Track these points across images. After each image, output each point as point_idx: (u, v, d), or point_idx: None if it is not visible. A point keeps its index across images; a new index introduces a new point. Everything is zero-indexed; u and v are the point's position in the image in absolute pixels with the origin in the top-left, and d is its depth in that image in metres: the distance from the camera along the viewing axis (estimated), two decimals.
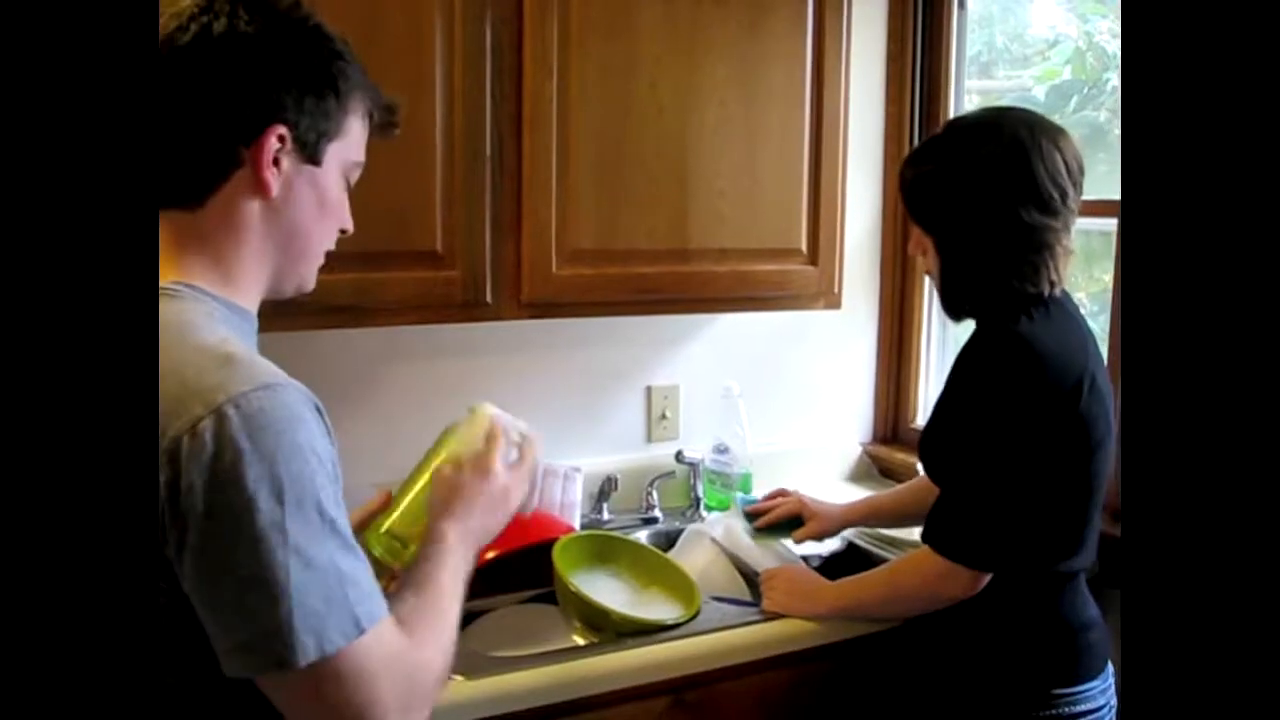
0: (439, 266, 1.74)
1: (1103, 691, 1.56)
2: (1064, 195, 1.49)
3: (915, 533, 1.75)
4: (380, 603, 0.98)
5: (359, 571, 0.96)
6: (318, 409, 0.97)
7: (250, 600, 0.89)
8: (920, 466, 1.74)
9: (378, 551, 1.25)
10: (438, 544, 1.15)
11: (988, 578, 1.53)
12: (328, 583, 0.92)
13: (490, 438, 1.26)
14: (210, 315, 1.01)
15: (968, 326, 1.61)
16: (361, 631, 0.94)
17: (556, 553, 1.70)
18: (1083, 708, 1.53)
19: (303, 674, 0.91)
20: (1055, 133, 1.51)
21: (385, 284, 1.70)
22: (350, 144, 1.11)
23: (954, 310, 1.60)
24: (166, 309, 0.97)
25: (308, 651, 0.90)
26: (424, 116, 1.68)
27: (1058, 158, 1.48)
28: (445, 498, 1.20)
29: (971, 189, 1.50)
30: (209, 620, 0.92)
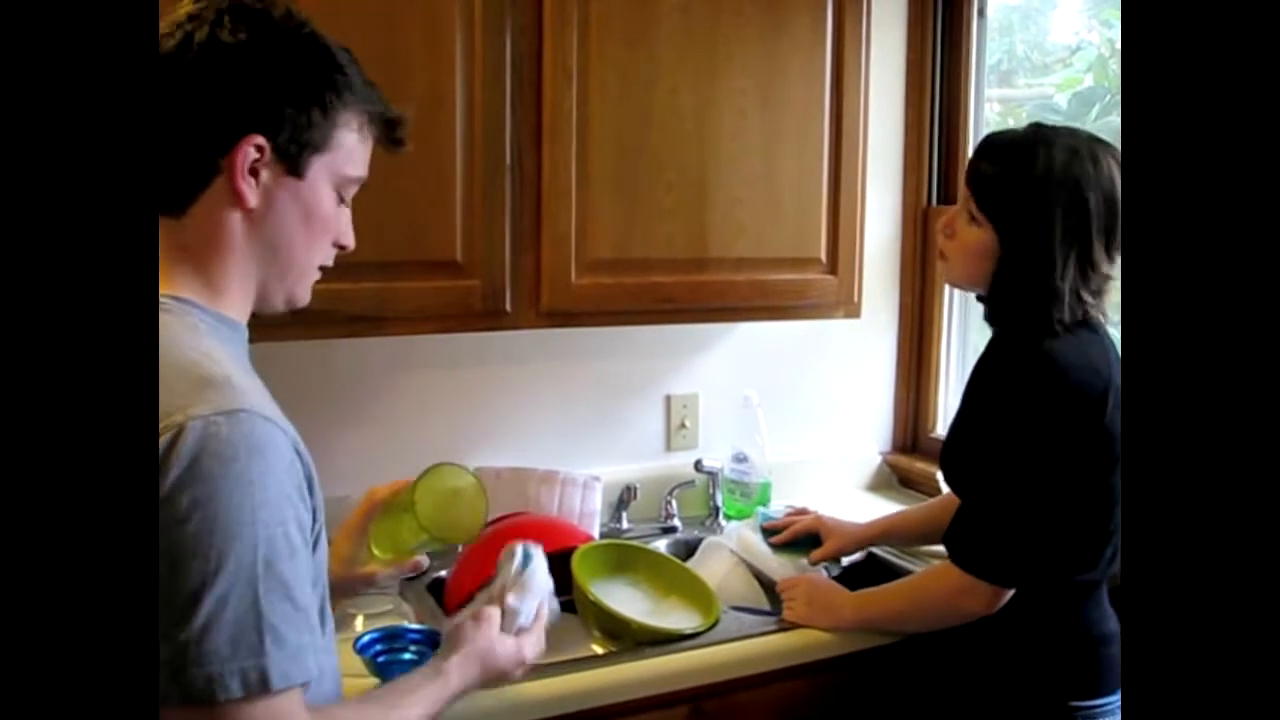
0: (458, 276, 1.75)
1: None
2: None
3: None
4: (303, 668, 0.93)
5: (289, 625, 0.91)
6: (295, 447, 0.95)
7: (163, 621, 0.85)
8: (941, 480, 1.73)
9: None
10: (435, 676, 1.18)
11: (1009, 594, 1.52)
12: (242, 625, 0.88)
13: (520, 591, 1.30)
14: (195, 329, 1.00)
15: (987, 335, 1.61)
16: (265, 689, 0.89)
17: (575, 561, 1.70)
18: None
19: (182, 715, 0.87)
20: None
21: (405, 293, 1.71)
22: (341, 158, 1.08)
23: (999, 314, 1.57)
24: None
25: (193, 689, 0.86)
26: (444, 126, 1.69)
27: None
28: (457, 641, 1.23)
29: (1066, 207, 1.47)
30: None
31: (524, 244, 1.80)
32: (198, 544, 0.86)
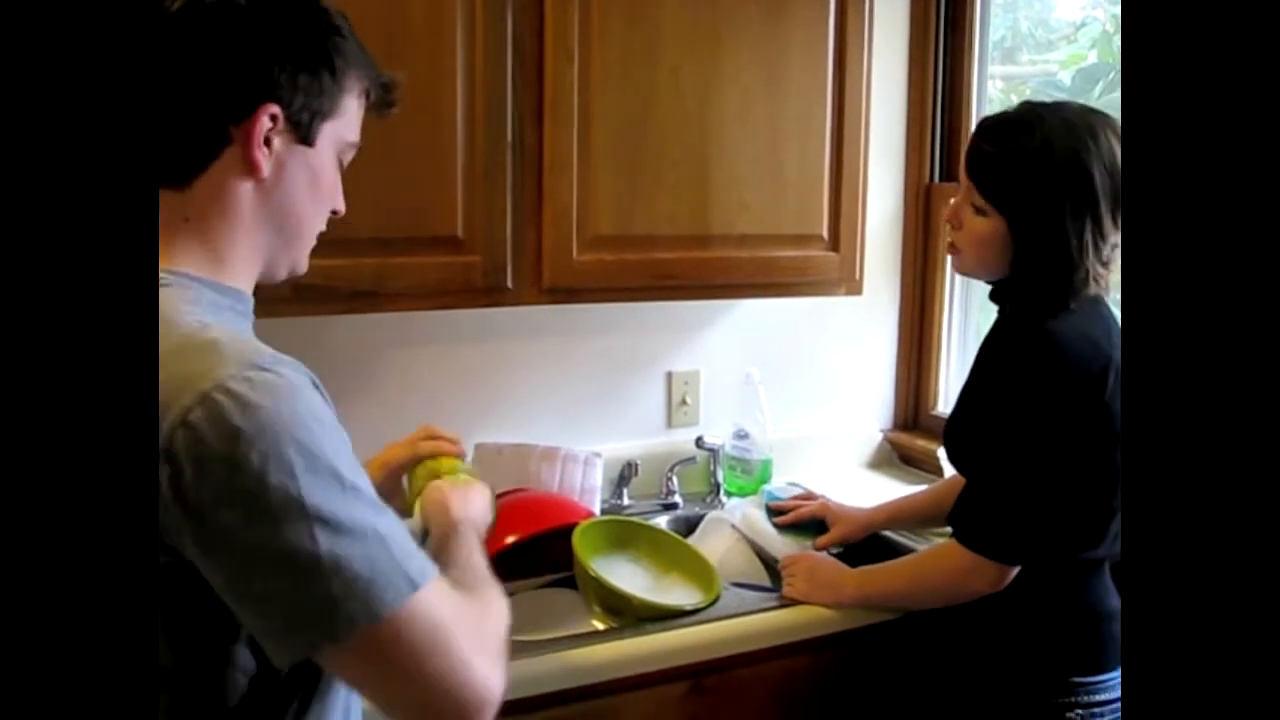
0: (460, 252, 1.74)
1: None
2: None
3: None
4: (428, 561, 0.94)
5: (398, 531, 0.91)
6: (314, 382, 0.94)
7: (284, 581, 0.85)
8: (942, 457, 1.73)
9: None
10: (457, 535, 1.16)
11: (1014, 572, 1.52)
12: (366, 546, 0.88)
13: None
14: (195, 301, 0.97)
15: (989, 314, 1.60)
16: (416, 587, 0.89)
17: (576, 537, 1.70)
18: (1102, 697, 1.52)
19: (359, 644, 0.87)
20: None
21: (406, 269, 1.71)
22: (345, 124, 1.07)
23: (1015, 296, 1.55)
24: None
25: (356, 618, 0.86)
26: (445, 103, 1.68)
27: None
28: (440, 505, 1.23)
29: (1071, 181, 1.46)
30: (248, 614, 0.88)
31: (525, 220, 1.79)
32: (286, 491, 0.85)
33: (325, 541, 0.86)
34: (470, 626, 0.94)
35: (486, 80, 1.71)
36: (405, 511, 1.37)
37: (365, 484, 0.92)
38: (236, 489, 0.84)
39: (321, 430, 0.89)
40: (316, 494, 0.86)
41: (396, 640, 0.88)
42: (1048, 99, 1.56)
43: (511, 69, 1.74)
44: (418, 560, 0.92)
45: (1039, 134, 1.47)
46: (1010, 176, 1.49)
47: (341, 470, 0.89)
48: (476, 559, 1.12)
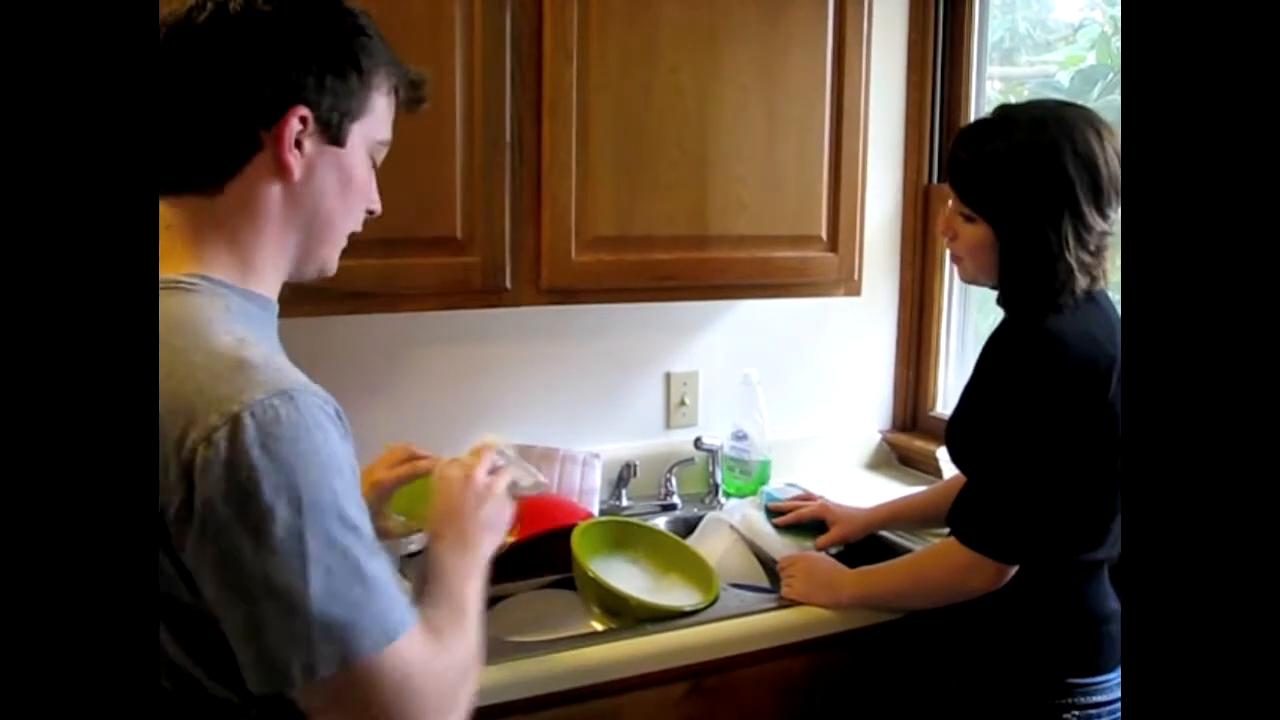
0: (459, 252, 1.74)
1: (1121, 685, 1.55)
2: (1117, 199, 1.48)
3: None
4: (410, 610, 0.96)
5: (386, 578, 0.94)
6: (337, 413, 0.95)
7: (270, 611, 0.87)
8: (941, 458, 1.73)
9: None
10: (458, 550, 1.15)
11: (1013, 571, 1.52)
12: (353, 590, 0.90)
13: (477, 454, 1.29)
14: (226, 310, 0.98)
15: (988, 314, 1.60)
16: (391, 639, 0.92)
17: (575, 538, 1.70)
18: (1099, 699, 1.52)
19: (330, 683, 0.89)
20: (1112, 134, 1.49)
21: (406, 270, 1.71)
22: (375, 122, 1.08)
23: (1010, 298, 1.56)
24: (181, 305, 0.96)
25: (329, 661, 0.88)
26: (444, 103, 1.68)
27: (1116, 161, 1.47)
28: (443, 504, 1.21)
29: (1044, 178, 1.46)
30: (232, 634, 0.90)
31: (524, 221, 1.79)
32: (291, 527, 0.87)
33: (317, 579, 0.88)
34: (436, 684, 0.96)
35: (485, 80, 1.71)
36: (389, 531, 1.37)
37: (366, 525, 0.94)
38: (245, 516, 0.87)
39: (336, 470, 0.91)
40: (318, 533, 0.89)
41: (363, 687, 0.91)
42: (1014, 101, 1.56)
43: (510, 68, 1.74)
44: (398, 611, 0.94)
45: (1011, 135, 1.49)
46: (986, 180, 1.51)
47: (347, 512, 0.91)
48: (469, 589, 1.11)
